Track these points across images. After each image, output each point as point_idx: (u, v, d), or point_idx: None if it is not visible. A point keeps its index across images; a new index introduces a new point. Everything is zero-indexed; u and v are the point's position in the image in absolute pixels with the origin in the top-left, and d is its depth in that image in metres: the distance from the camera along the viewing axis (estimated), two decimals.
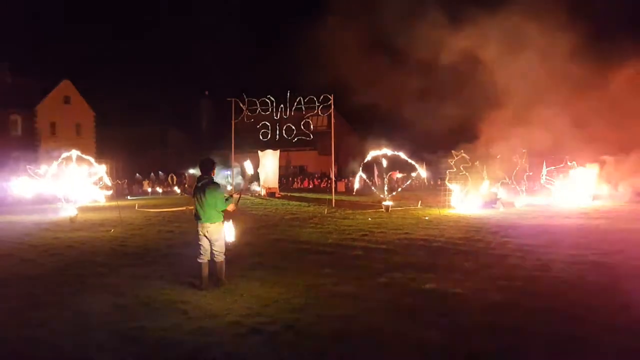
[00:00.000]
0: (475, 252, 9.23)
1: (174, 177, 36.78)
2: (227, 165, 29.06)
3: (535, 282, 6.82)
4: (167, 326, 5.29)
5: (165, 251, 9.81)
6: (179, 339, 4.94)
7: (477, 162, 18.66)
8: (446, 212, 17.07)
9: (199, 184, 6.76)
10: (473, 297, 6.17)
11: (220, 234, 6.76)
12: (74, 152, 15.87)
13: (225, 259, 6.88)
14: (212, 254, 6.76)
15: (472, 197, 17.97)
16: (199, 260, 6.72)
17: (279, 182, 31.68)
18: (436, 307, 5.81)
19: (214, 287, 6.69)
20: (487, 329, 5.04)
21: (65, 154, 15.95)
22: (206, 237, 6.69)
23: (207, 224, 6.64)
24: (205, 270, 6.71)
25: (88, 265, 8.47)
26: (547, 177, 21.24)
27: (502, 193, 18.93)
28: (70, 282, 7.33)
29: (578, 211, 16.39)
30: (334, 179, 27.39)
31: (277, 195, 28.33)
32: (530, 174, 20.62)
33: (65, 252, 9.88)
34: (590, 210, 16.61)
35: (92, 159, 17.18)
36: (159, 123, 50.91)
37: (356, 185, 20.98)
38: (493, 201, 18.26)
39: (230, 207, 6.83)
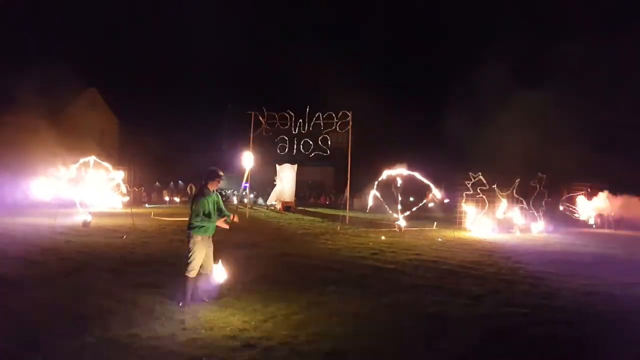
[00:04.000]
0: (485, 276, 9.04)
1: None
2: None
3: (541, 311, 6.63)
4: (162, 335, 5.27)
5: (173, 260, 9.80)
6: (171, 349, 4.91)
7: (495, 185, 18.42)
8: (461, 234, 16.82)
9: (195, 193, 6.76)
10: (475, 323, 6.02)
11: (190, 246, 6.44)
12: (92, 158, 16.14)
13: (188, 279, 6.42)
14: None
15: (488, 221, 17.67)
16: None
17: (295, 197, 31.70)
18: (437, 331, 5.67)
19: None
20: (486, 356, 4.90)
21: (83, 159, 16.22)
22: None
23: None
24: (197, 284, 6.58)
25: (93, 271, 8.53)
26: (567, 204, 20.88)
27: (518, 218, 18.58)
28: (72, 286, 7.37)
29: (596, 239, 15.97)
30: (348, 195, 27.30)
31: (292, 209, 28.31)
32: (549, 199, 20.22)
33: (74, 256, 9.97)
34: (608, 239, 16.17)
35: (109, 165, 17.44)
36: (182, 133, 51.60)
37: (369, 203, 20.83)
38: (510, 226, 17.93)
39: (220, 223, 6.60)
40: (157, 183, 37.94)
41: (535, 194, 19.07)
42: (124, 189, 18.82)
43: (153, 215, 20.25)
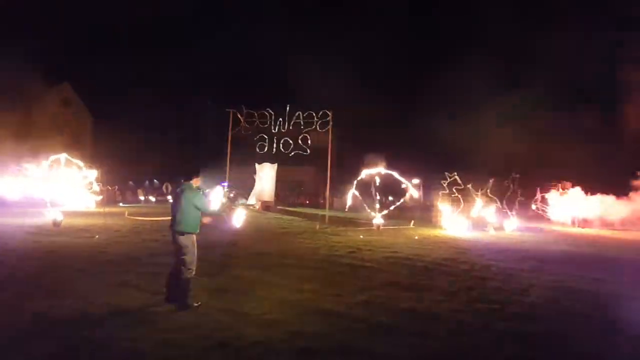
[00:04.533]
0: (458, 273, 9.16)
1: (169, 185, 36.66)
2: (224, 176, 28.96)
3: (512, 306, 6.75)
4: (135, 336, 5.18)
5: (146, 260, 9.68)
6: (144, 349, 4.84)
7: (470, 184, 18.68)
8: (437, 232, 17.00)
9: (177, 191, 6.54)
10: (448, 318, 6.10)
11: (190, 246, 6.29)
12: (63, 155, 15.77)
13: (190, 279, 6.24)
14: (179, 268, 6.26)
15: (463, 219, 17.91)
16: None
17: (275, 197, 31.60)
18: (410, 327, 5.72)
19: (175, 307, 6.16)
20: (457, 351, 4.96)
21: (54, 157, 15.83)
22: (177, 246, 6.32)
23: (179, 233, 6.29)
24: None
25: (64, 271, 8.34)
26: (539, 203, 21.30)
27: (492, 217, 18.87)
28: (40, 286, 7.19)
29: (566, 237, 16.34)
30: (329, 195, 27.32)
31: (272, 209, 28.20)
32: (522, 199, 20.60)
33: (44, 256, 9.74)
34: (578, 237, 16.56)
35: (81, 163, 17.07)
36: (159, 131, 50.90)
37: (348, 202, 20.89)
38: (484, 224, 18.21)
39: (206, 219, 6.51)
40: (130, 182, 37.30)
41: (509, 193, 19.41)
42: (96, 187, 18.44)
43: (127, 215, 19.93)
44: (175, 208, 6.37)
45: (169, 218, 6.47)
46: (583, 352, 5.08)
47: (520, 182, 19.98)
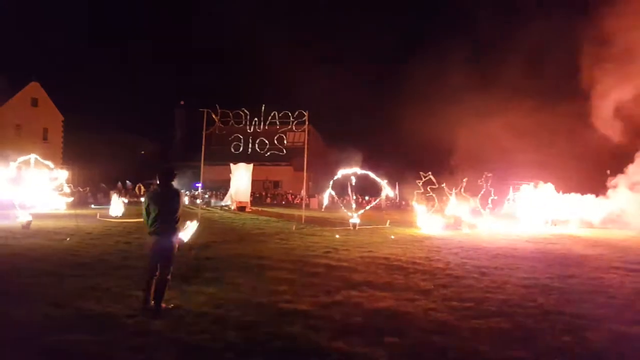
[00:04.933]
0: (433, 272, 9.26)
1: (142, 187, 36.07)
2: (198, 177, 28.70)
3: (486, 304, 6.86)
4: (106, 341, 5.08)
5: (119, 263, 9.50)
6: (114, 355, 4.74)
7: (444, 184, 18.93)
8: (413, 231, 17.16)
9: (159, 192, 6.26)
10: (422, 317, 6.16)
11: (174, 249, 6.20)
12: (33, 156, 15.37)
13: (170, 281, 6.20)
14: (162, 271, 6.10)
15: (437, 218, 18.14)
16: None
17: (251, 197, 31.43)
18: (385, 326, 5.75)
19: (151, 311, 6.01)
20: (431, 349, 5.02)
21: (23, 157, 15.41)
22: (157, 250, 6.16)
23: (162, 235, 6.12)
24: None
25: (33, 275, 8.10)
26: (512, 201, 21.71)
27: (466, 215, 19.16)
28: (8, 291, 6.98)
29: (538, 235, 16.69)
30: (305, 195, 27.32)
31: (247, 209, 28.02)
32: (495, 197, 20.97)
33: (12, 260, 9.47)
34: (550, 235, 16.93)
35: (51, 164, 16.66)
36: (131, 132, 50.13)
37: (325, 202, 20.94)
38: (458, 223, 18.47)
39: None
40: (102, 184, 36.56)
41: (482, 192, 19.74)
42: (67, 189, 18.01)
43: (99, 217, 19.54)
44: (159, 209, 6.10)
45: (141, 220, 6.33)
46: (556, 347, 5.18)
47: (493, 181, 20.34)
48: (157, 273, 6.10)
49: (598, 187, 22.57)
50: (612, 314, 6.43)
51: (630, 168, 21.67)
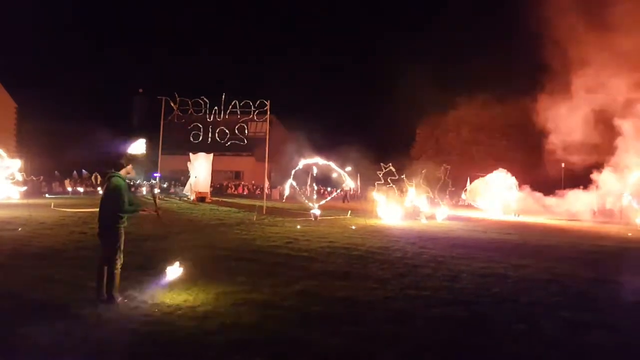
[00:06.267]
0: (392, 261, 9.43)
1: (98, 176, 35.04)
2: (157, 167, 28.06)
3: (442, 292, 7.04)
4: (59, 332, 4.93)
5: (73, 253, 9.23)
6: (68, 346, 4.61)
7: (404, 175, 19.25)
8: (373, 222, 17.38)
9: (106, 182, 6.19)
10: (380, 306, 6.26)
11: (120, 239, 6.01)
12: None
13: (119, 272, 6.01)
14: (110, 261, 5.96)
15: (397, 209, 18.45)
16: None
17: (211, 187, 31.00)
18: (343, 315, 5.81)
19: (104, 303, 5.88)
20: (389, 337, 5.11)
21: None
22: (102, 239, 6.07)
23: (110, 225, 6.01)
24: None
25: None
26: (469, 193, 22.31)
27: (425, 206, 19.57)
28: None
29: (495, 226, 17.23)
30: (267, 185, 27.18)
31: (207, 200, 27.64)
32: (453, 189, 21.50)
33: None
34: (508, 225, 17.52)
35: (3, 152, 15.96)
36: (88, 120, 48.41)
37: (286, 193, 20.92)
38: (416, 213, 18.86)
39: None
40: (56, 172, 35.30)
41: (440, 183, 20.19)
42: (19, 177, 17.29)
43: (53, 207, 18.88)
44: (105, 199, 6.07)
45: (97, 210, 6.17)
46: (511, 334, 5.34)
47: (451, 173, 20.83)
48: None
49: (551, 180, 23.52)
50: (565, 302, 6.69)
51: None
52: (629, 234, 16.60)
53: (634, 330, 5.65)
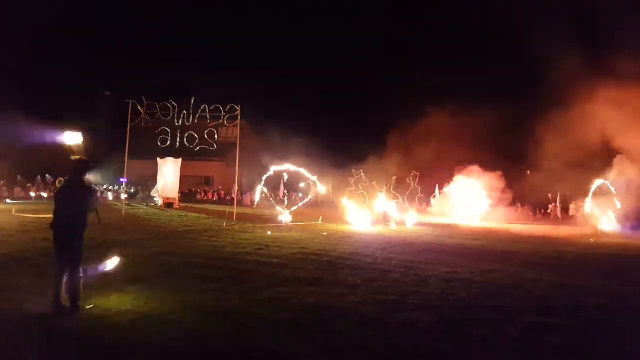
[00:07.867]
0: (362, 267, 9.46)
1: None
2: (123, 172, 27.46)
3: (411, 297, 7.09)
4: (20, 343, 4.75)
5: (35, 260, 8.91)
6: (30, 357, 4.44)
7: (375, 182, 19.42)
8: (344, 228, 17.43)
9: (67, 186, 6.03)
10: (351, 311, 6.26)
11: (81, 246, 5.88)
12: None
13: (82, 279, 5.86)
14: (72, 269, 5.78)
15: (367, 215, 18.57)
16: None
17: (179, 193, 30.51)
18: (314, 322, 5.78)
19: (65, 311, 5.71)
20: (356, 343, 5.11)
21: None
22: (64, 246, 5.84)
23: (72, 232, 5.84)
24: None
25: None
26: (439, 198, 22.69)
27: (394, 212, 19.77)
28: None
29: (463, 232, 17.53)
30: (237, 191, 26.92)
31: (175, 206, 27.18)
32: (422, 195, 21.81)
33: None
34: (475, 231, 17.84)
35: None
36: (53, 123, 46.95)
37: (257, 199, 20.78)
38: (386, 219, 19.02)
39: None
40: (18, 177, 34.14)
41: (410, 190, 20.45)
42: None
43: (15, 212, 18.26)
44: (66, 206, 5.85)
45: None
46: (477, 338, 5.41)
47: (420, 180, 21.12)
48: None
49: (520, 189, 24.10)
50: (529, 307, 6.83)
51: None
52: (591, 240, 17.14)
53: (590, 332, 5.82)
